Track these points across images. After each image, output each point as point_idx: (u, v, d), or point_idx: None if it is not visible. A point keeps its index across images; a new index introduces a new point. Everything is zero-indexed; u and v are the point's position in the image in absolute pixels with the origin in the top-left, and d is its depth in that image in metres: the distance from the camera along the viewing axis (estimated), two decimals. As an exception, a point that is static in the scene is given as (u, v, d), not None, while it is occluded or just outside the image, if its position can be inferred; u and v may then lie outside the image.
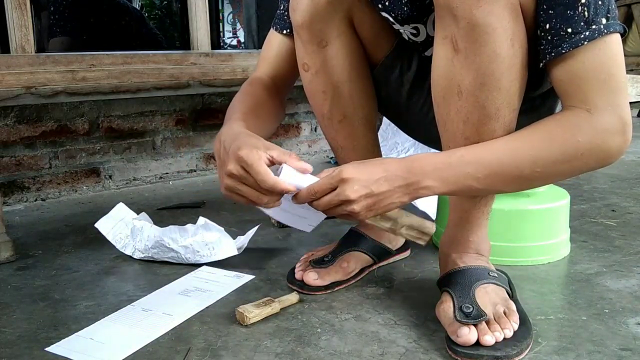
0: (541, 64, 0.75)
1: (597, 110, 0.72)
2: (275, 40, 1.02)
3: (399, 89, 1.01)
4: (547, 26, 0.72)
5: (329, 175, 0.76)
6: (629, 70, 3.01)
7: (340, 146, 1.03)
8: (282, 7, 1.02)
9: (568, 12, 0.71)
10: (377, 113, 1.06)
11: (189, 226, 1.16)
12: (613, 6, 0.73)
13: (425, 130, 1.03)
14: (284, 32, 1.01)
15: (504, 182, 0.77)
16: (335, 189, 0.75)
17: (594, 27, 0.70)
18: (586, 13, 0.70)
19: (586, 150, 0.73)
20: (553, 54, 0.72)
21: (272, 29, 1.04)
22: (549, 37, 0.72)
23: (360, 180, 0.74)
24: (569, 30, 0.71)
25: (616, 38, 0.72)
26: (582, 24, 0.70)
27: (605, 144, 0.73)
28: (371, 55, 0.99)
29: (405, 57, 0.98)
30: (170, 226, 1.17)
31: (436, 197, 1.34)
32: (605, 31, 0.70)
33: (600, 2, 0.70)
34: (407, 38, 0.95)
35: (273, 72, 1.02)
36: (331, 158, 2.21)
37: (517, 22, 0.72)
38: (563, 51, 0.71)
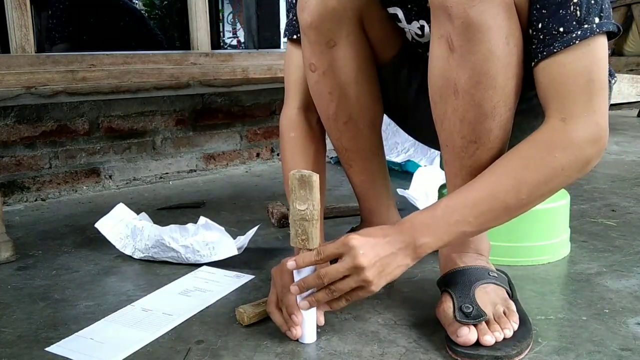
0: (533, 63, 0.75)
1: (572, 119, 0.72)
2: (294, 57, 1.00)
3: (406, 89, 1.00)
4: (540, 25, 0.73)
5: (334, 241, 0.77)
6: (629, 70, 3.01)
7: (344, 148, 1.03)
8: (290, 15, 1.01)
9: (560, 11, 0.71)
10: (383, 115, 1.06)
11: (189, 225, 1.16)
12: (607, 5, 0.73)
13: (430, 132, 1.03)
14: (294, 37, 0.99)
15: (495, 218, 0.78)
16: (341, 255, 0.76)
17: (585, 26, 0.71)
18: (578, 12, 0.70)
19: (565, 163, 0.73)
20: (545, 53, 0.73)
21: (285, 40, 1.03)
22: (541, 37, 0.73)
23: (366, 245, 0.76)
24: (561, 29, 0.71)
25: (602, 42, 0.72)
26: (574, 23, 0.71)
27: (582, 153, 0.73)
28: (379, 56, 0.98)
29: (414, 57, 0.98)
30: (171, 225, 1.17)
31: (436, 193, 1.34)
32: (598, 30, 0.71)
33: (593, 1, 0.71)
34: (410, 38, 0.94)
35: (304, 97, 1.00)
36: (331, 158, 2.21)
37: (511, 20, 0.72)
38: (554, 50, 0.72)
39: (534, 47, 0.74)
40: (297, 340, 0.83)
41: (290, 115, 1.01)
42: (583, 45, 0.71)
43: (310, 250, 0.79)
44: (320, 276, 0.77)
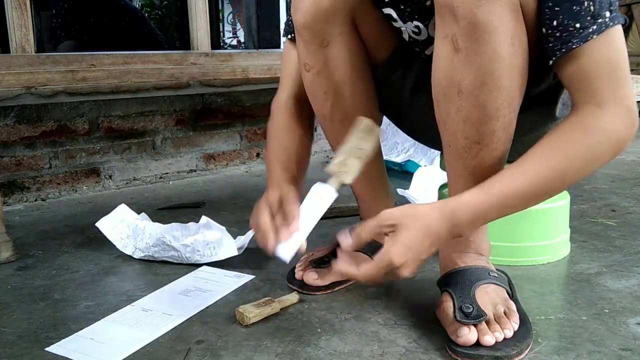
0: (550, 62, 0.75)
1: (607, 104, 0.73)
2: (291, 53, 1.02)
3: (401, 89, 1.01)
4: (555, 23, 0.72)
5: (379, 265, 0.76)
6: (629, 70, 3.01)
7: None
8: (289, 15, 1.02)
9: (574, 7, 0.71)
10: (379, 114, 1.06)
11: (191, 224, 1.16)
12: None
13: (427, 131, 1.03)
14: (289, 36, 1.01)
15: (533, 203, 0.78)
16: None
17: (600, 20, 0.71)
18: (592, 7, 0.71)
19: (606, 148, 0.74)
20: (564, 50, 0.73)
21: (285, 39, 1.06)
22: (558, 34, 0.73)
23: (411, 259, 0.75)
24: (577, 25, 0.71)
25: (618, 30, 0.73)
26: (589, 18, 0.71)
27: (618, 137, 0.74)
28: (373, 56, 0.98)
29: (408, 57, 0.98)
30: (173, 223, 1.17)
31: (436, 193, 1.34)
32: (611, 24, 0.72)
33: None
34: (407, 37, 0.95)
35: (297, 89, 1.03)
36: (331, 158, 2.21)
37: (517, 21, 0.72)
38: (574, 46, 0.72)
39: (550, 45, 0.74)
40: (273, 256, 0.81)
41: (281, 100, 1.04)
42: (601, 37, 0.72)
43: (341, 181, 0.83)
44: (357, 276, 0.78)
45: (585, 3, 0.71)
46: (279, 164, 0.98)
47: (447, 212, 0.76)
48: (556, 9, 0.72)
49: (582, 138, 0.74)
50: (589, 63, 0.73)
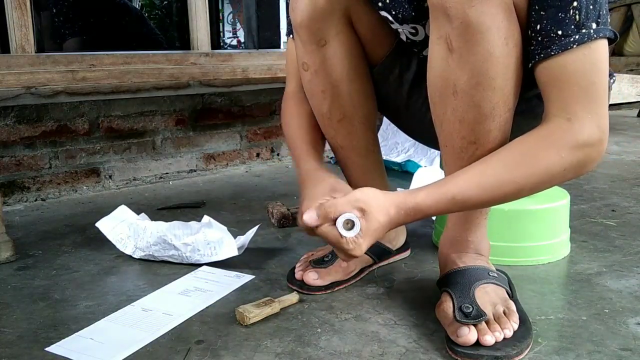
0: (530, 65, 0.75)
1: (577, 119, 0.72)
2: (293, 49, 1.03)
3: (398, 89, 1.01)
4: (538, 27, 0.72)
5: (348, 243, 0.78)
6: (629, 70, 3.01)
7: (340, 145, 1.04)
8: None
9: (559, 14, 0.71)
10: (377, 113, 1.06)
11: (193, 223, 1.16)
12: (604, 12, 0.73)
13: (424, 131, 1.03)
14: (291, 36, 1.02)
15: (486, 205, 0.82)
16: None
17: (584, 31, 0.70)
18: (577, 17, 0.70)
19: (568, 164, 0.73)
20: (542, 55, 0.73)
21: (287, 38, 1.08)
22: (539, 38, 0.73)
23: (369, 241, 0.78)
24: (559, 32, 0.71)
25: (602, 45, 0.72)
26: (572, 27, 0.71)
27: (584, 156, 0.73)
28: (371, 55, 0.99)
29: (405, 57, 0.98)
30: (175, 221, 1.17)
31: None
32: (595, 36, 0.71)
33: (591, 7, 0.71)
34: (405, 38, 0.95)
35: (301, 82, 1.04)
36: (331, 158, 2.21)
37: (511, 21, 0.72)
38: (552, 53, 0.72)
39: (532, 48, 0.74)
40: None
41: (290, 91, 1.07)
42: (581, 49, 0.71)
43: None
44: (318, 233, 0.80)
45: (571, 11, 0.70)
46: (306, 147, 1.00)
47: (403, 213, 0.78)
48: (542, 13, 0.72)
49: (545, 152, 0.74)
50: (564, 73, 0.72)
